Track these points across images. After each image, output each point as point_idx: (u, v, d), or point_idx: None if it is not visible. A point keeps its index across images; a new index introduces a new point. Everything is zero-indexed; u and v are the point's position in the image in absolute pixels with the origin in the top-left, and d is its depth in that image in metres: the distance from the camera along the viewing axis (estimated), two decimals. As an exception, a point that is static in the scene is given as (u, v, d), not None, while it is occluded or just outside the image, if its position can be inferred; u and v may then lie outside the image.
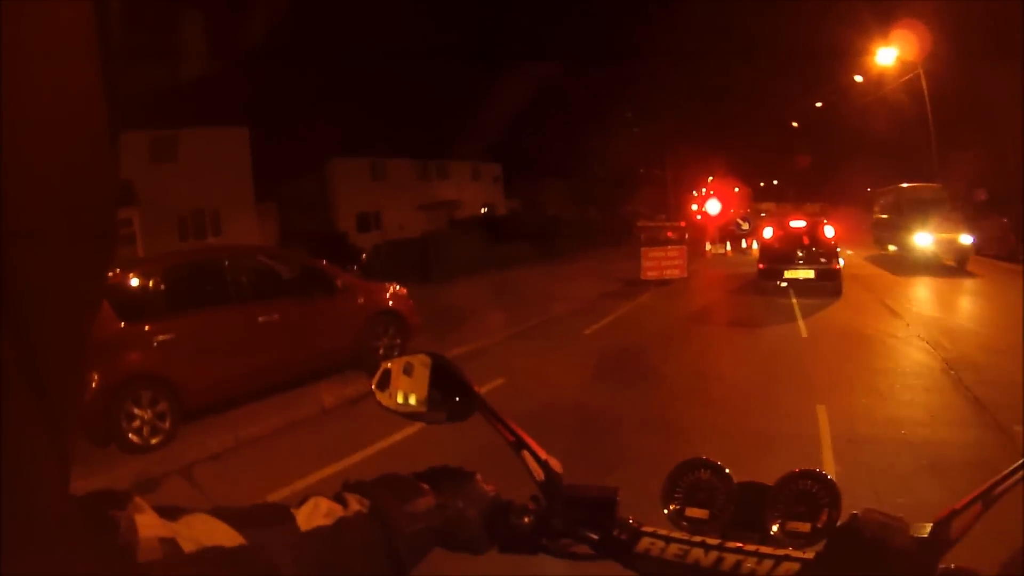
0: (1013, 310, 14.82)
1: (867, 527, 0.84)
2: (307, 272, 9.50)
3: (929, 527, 0.82)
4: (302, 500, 0.80)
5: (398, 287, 10.12)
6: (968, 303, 15.78)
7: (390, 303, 9.75)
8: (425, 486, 0.90)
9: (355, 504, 0.82)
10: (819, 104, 49.54)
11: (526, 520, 0.95)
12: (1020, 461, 0.81)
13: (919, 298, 15.75)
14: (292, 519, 0.74)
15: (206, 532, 0.61)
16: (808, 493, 1.02)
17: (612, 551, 0.93)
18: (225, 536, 0.63)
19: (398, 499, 0.85)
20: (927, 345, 10.41)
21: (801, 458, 5.63)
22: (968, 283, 18.98)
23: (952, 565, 0.82)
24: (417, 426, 5.07)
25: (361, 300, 9.43)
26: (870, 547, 0.82)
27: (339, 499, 0.82)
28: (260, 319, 8.16)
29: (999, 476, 0.82)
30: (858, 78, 43.37)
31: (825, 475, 1.04)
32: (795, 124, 55.88)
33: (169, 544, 0.56)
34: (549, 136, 38.86)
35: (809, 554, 0.86)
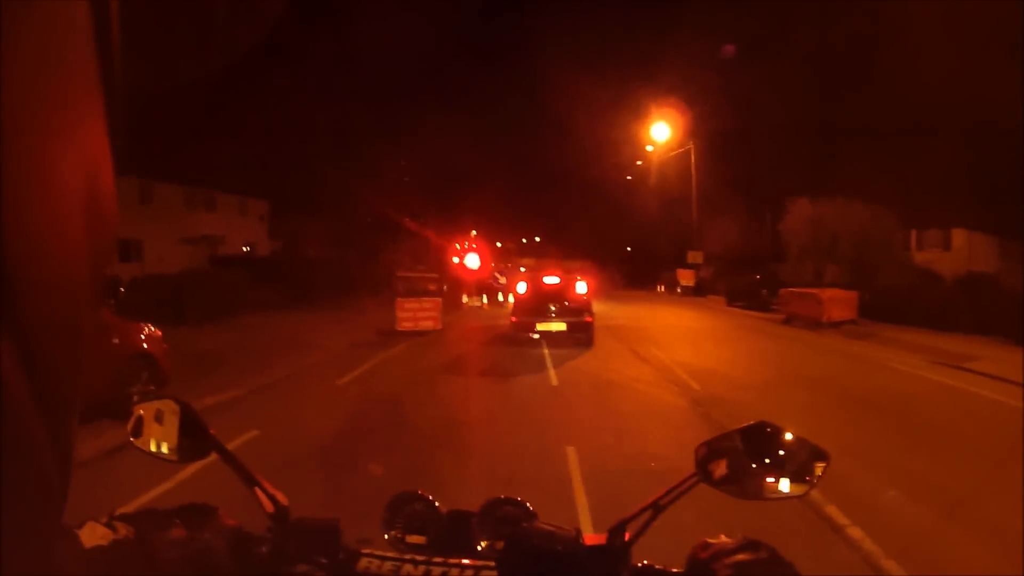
0: (760, 354, 17.31)
1: (534, 537, 1.09)
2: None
3: (605, 535, 1.08)
4: (80, 524, 0.94)
5: (152, 328, 9.50)
6: (717, 348, 18.08)
7: (145, 346, 9.14)
8: (177, 520, 1.07)
9: (123, 530, 0.98)
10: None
11: (264, 549, 1.14)
12: (687, 476, 1.07)
13: (668, 345, 17.62)
14: (76, 537, 0.88)
15: None
16: (509, 516, 1.32)
17: (339, 573, 1.13)
18: None
19: (157, 529, 1.03)
20: (675, 387, 11.74)
21: (552, 497, 6.10)
22: (718, 331, 22.01)
23: (644, 562, 1.07)
24: (177, 479, 5.75)
25: (116, 341, 8.95)
26: (539, 554, 1.06)
27: (110, 526, 0.97)
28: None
29: (668, 488, 1.07)
30: (649, 147, 49.60)
31: (520, 500, 1.35)
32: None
33: None
34: (319, 176, 38.29)
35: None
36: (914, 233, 34.78)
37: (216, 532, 1.09)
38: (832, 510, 6.02)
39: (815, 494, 6.18)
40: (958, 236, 33.20)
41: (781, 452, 1.06)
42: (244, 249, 40.53)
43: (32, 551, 0.41)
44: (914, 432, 9.11)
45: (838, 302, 22.50)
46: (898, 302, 23.55)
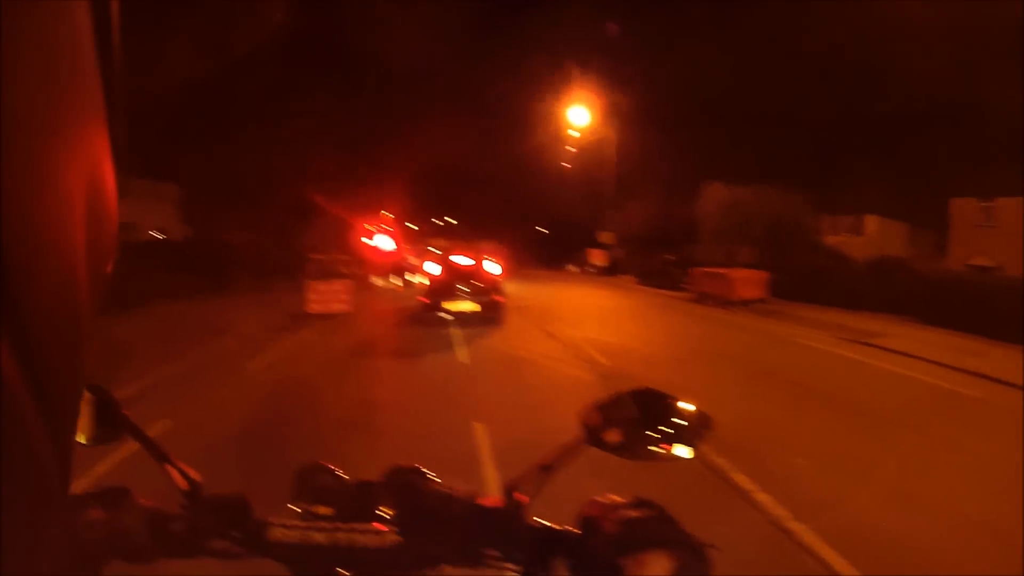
0: (669, 331, 17.73)
1: (430, 499, 1.15)
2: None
3: (500, 496, 1.11)
4: None
5: None
6: (626, 325, 18.42)
7: None
8: (94, 502, 1.08)
9: None
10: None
11: (180, 526, 1.14)
12: (574, 437, 1.10)
13: (578, 323, 17.86)
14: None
15: None
16: (412, 484, 1.34)
17: (251, 545, 1.14)
18: None
19: (75, 510, 1.03)
20: (584, 363, 11.88)
21: (462, 472, 6.11)
22: (628, 310, 22.46)
23: (539, 520, 1.10)
24: (95, 474, 5.63)
25: None
26: (436, 515, 1.12)
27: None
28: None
29: (557, 449, 1.10)
30: (575, 133, 49.88)
31: (420, 467, 1.36)
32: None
33: None
34: (231, 160, 37.21)
35: None
36: (827, 218, 36.10)
37: (133, 512, 1.11)
38: (740, 477, 6.15)
39: (723, 462, 6.37)
40: (870, 222, 34.67)
41: (666, 416, 1.10)
42: (157, 235, 39.30)
43: (32, 551, 0.41)
44: (820, 403, 9.39)
45: (748, 281, 23.17)
46: (809, 282, 24.40)
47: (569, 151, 52.60)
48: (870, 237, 33.80)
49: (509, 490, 1.12)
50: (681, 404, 1.11)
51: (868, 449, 7.38)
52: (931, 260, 26.85)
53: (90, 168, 0.44)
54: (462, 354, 13.13)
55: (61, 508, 0.48)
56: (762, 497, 5.73)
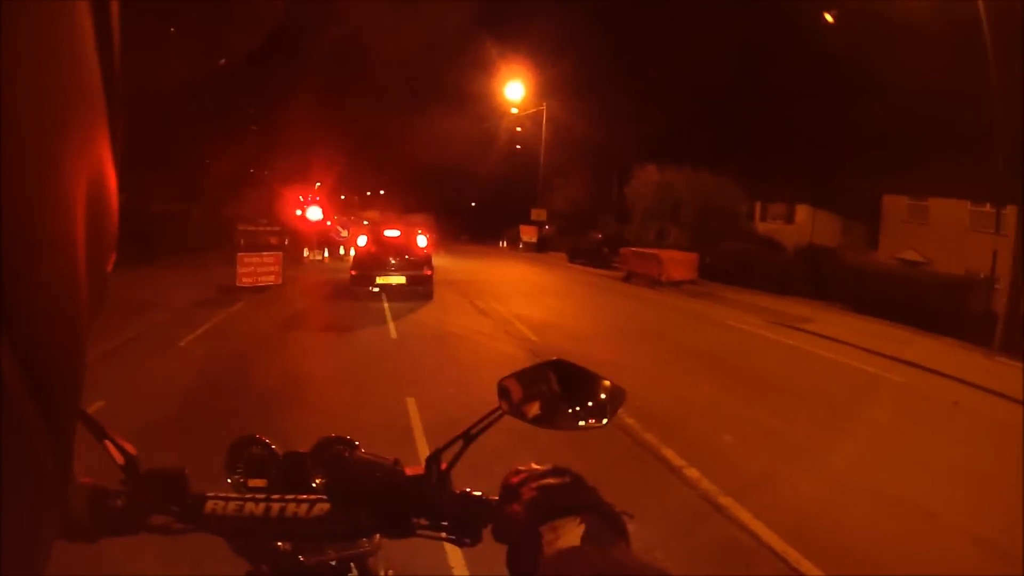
0: (598, 308, 17.95)
1: (355, 467, 1.19)
2: None
3: (423, 465, 1.15)
4: None
5: None
6: (556, 302, 18.48)
7: None
8: None
9: None
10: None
11: (120, 503, 1.15)
12: (493, 409, 1.13)
13: (508, 299, 17.93)
14: None
15: None
16: (340, 454, 1.44)
17: (190, 519, 1.16)
18: None
19: None
20: (514, 339, 11.95)
21: (394, 447, 6.08)
22: (557, 287, 22.64)
23: (464, 489, 1.14)
24: None
25: None
26: (361, 482, 1.16)
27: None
28: None
29: (476, 420, 1.13)
30: (514, 110, 49.64)
31: (347, 438, 1.47)
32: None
33: None
34: (160, 127, 36.02)
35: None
36: (759, 205, 36.83)
37: (73, 490, 1.12)
38: (669, 452, 6.27)
39: (651, 438, 6.49)
40: (802, 211, 35.38)
41: (579, 386, 1.14)
42: None
43: (32, 552, 0.41)
44: (749, 384, 9.60)
45: (678, 262, 23.52)
46: (739, 266, 24.93)
47: (503, 127, 52.60)
48: (801, 226, 34.52)
49: (431, 459, 1.15)
50: (594, 375, 1.14)
51: (794, 428, 7.57)
52: (861, 251, 27.64)
53: (91, 167, 0.44)
54: (392, 328, 13.09)
55: (61, 509, 0.46)
56: (691, 472, 5.85)
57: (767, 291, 22.12)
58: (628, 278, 24.75)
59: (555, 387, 1.11)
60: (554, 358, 1.12)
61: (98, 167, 0.46)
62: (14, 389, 0.37)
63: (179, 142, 38.80)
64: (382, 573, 1.51)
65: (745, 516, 4.99)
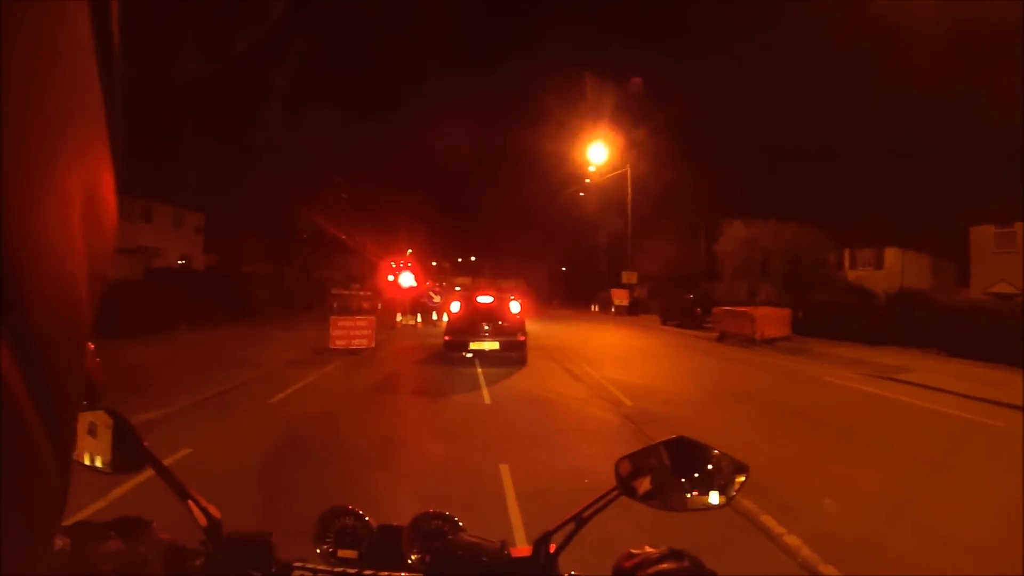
0: (693, 370, 17.61)
1: (460, 549, 1.15)
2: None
3: (530, 548, 1.12)
4: None
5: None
6: (649, 365, 18.28)
7: None
8: (112, 532, 1.09)
9: (59, 542, 1.00)
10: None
11: (198, 563, 1.15)
12: (608, 491, 1.11)
13: (601, 363, 17.77)
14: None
15: None
16: (438, 530, 1.39)
17: None
18: None
19: (92, 541, 1.04)
20: (608, 404, 11.82)
21: (486, 514, 6.06)
22: (651, 349, 22.38)
23: (572, 573, 1.11)
24: (110, 497, 5.72)
25: None
26: (465, 565, 1.11)
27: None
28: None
29: (590, 502, 1.11)
30: (591, 167, 50.26)
31: (448, 514, 1.43)
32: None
33: None
34: (255, 190, 37.78)
35: None
36: (847, 252, 35.91)
37: (151, 546, 1.11)
38: (768, 519, 6.08)
39: (750, 505, 6.27)
40: (891, 255, 34.35)
41: (701, 465, 1.09)
42: (179, 262, 39.92)
43: (32, 552, 0.41)
44: (847, 441, 9.27)
45: (771, 319, 23.02)
46: (831, 318, 24.22)
47: (589, 190, 52.84)
48: (890, 269, 33.45)
49: (540, 542, 1.11)
50: (715, 452, 1.10)
51: (895, 486, 7.29)
52: (953, 290, 26.54)
53: (90, 169, 0.45)
54: (485, 394, 13.10)
55: (61, 509, 0.47)
56: (792, 540, 5.65)
57: (861, 342, 21.38)
58: (722, 338, 24.33)
59: (666, 463, 1.08)
60: (674, 436, 1.10)
61: (97, 170, 0.46)
62: (14, 389, 0.37)
63: (272, 207, 40.22)
64: None
65: (847, 586, 4.78)
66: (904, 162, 30.61)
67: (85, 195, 0.44)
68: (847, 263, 36.02)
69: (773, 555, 5.46)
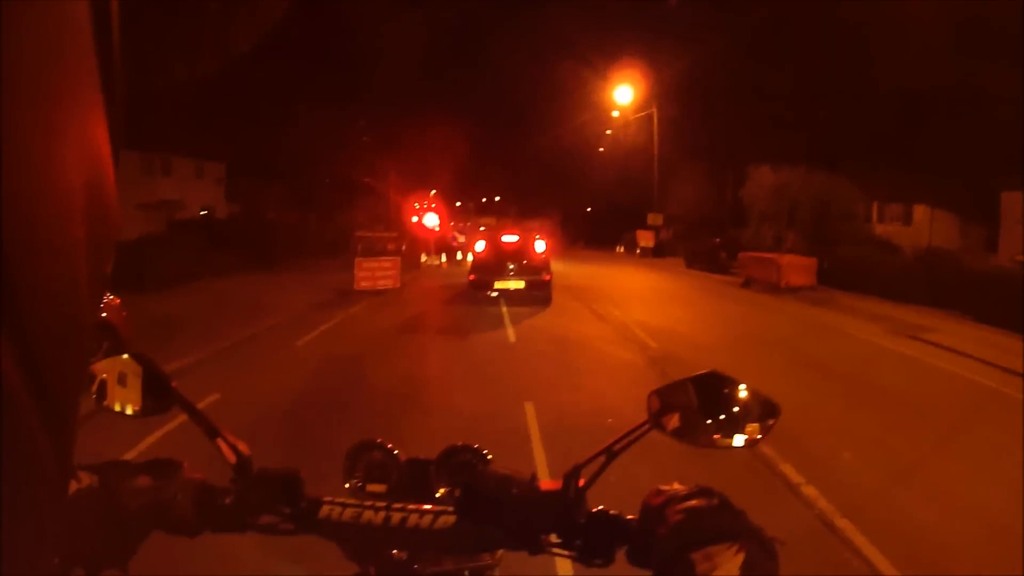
0: (718, 315, 17.58)
1: (490, 481, 1.11)
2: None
3: (560, 481, 1.09)
4: None
5: (111, 296, 9.29)
6: (674, 308, 18.28)
7: (104, 315, 8.93)
8: (142, 471, 1.10)
9: (87, 479, 1.01)
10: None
11: (228, 500, 1.14)
12: (639, 424, 1.07)
13: (626, 304, 17.79)
14: None
15: None
16: (466, 463, 1.40)
17: (302, 522, 1.14)
18: None
19: (121, 478, 1.06)
20: (632, 345, 11.87)
21: (511, 450, 6.15)
22: (676, 292, 22.45)
23: (600, 507, 1.08)
24: (139, 448, 6.02)
25: None
26: (495, 497, 1.09)
27: (74, 476, 0.99)
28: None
29: (621, 435, 1.07)
30: (615, 113, 49.47)
31: (475, 446, 1.43)
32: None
33: None
34: (275, 137, 37.54)
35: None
36: (876, 205, 35.26)
37: (181, 484, 1.11)
38: (787, 468, 6.14)
39: (770, 452, 6.33)
40: (920, 212, 33.68)
41: (732, 403, 1.07)
42: (201, 213, 39.96)
43: (33, 553, 0.41)
44: (869, 398, 9.26)
45: (797, 268, 22.79)
46: (857, 271, 23.90)
47: (615, 130, 52.12)
48: (919, 227, 32.83)
49: (570, 475, 1.10)
50: (746, 389, 1.08)
51: (913, 446, 7.32)
52: (980, 255, 26.01)
53: (90, 167, 0.44)
54: (510, 332, 13.18)
55: (61, 508, 0.48)
56: (809, 490, 5.72)
57: (885, 297, 21.14)
58: (747, 284, 24.19)
59: (695, 399, 1.06)
60: (706, 371, 1.07)
61: (97, 168, 0.46)
62: (14, 388, 0.37)
63: (293, 153, 40.00)
64: None
65: (860, 540, 4.86)
66: (942, 117, 29.66)
67: (86, 193, 0.43)
68: (875, 216, 35.39)
69: (790, 504, 5.54)
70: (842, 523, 5.10)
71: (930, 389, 10.18)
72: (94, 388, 1.19)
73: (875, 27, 31.53)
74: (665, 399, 1.09)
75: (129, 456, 5.73)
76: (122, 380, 1.19)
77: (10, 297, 0.37)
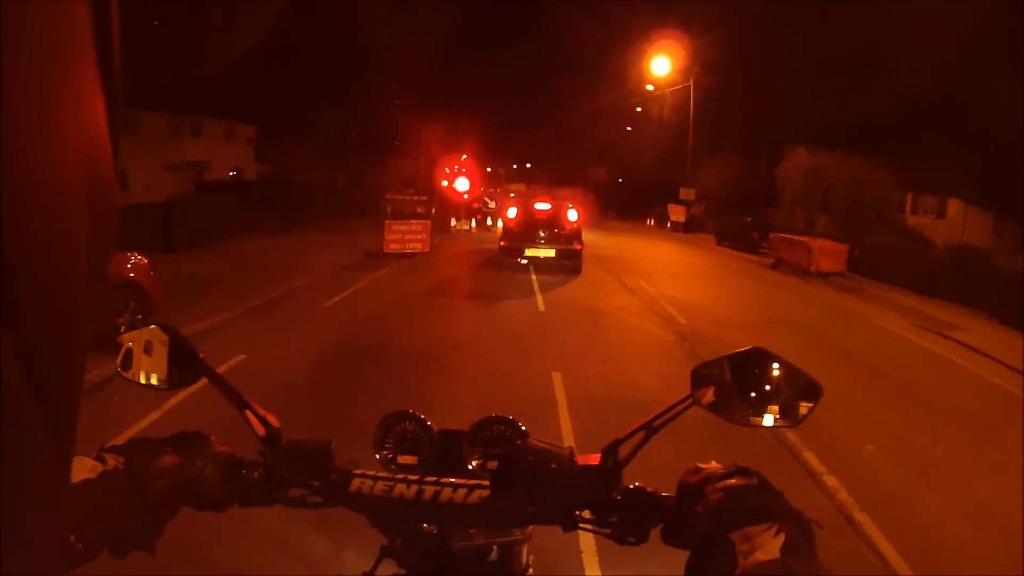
0: (747, 295, 17.45)
1: (529, 454, 1.09)
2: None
3: (598, 455, 1.07)
4: None
5: (139, 257, 9.39)
6: (704, 285, 18.27)
7: (132, 275, 9.02)
8: (168, 448, 1.08)
9: (113, 461, 0.99)
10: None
11: (256, 474, 1.13)
12: (681, 399, 1.06)
13: (656, 278, 17.74)
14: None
15: None
16: (500, 435, 1.37)
17: (331, 495, 1.12)
18: None
19: (147, 458, 1.03)
20: (661, 320, 11.85)
21: (538, 420, 6.19)
22: (706, 269, 22.31)
23: (635, 484, 1.06)
24: (165, 408, 5.93)
25: None
26: (532, 471, 1.06)
27: (99, 459, 0.98)
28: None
29: (660, 410, 1.05)
30: (649, 87, 48.79)
31: (510, 418, 1.39)
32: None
33: None
34: (306, 99, 37.51)
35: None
36: (910, 196, 34.63)
37: (208, 459, 1.10)
38: (810, 456, 6.17)
39: (794, 438, 6.35)
40: (954, 206, 32.99)
41: (771, 381, 1.06)
42: (231, 174, 40.02)
43: (33, 551, 0.41)
44: (895, 392, 9.22)
45: (828, 253, 22.50)
46: (887, 261, 23.60)
47: (651, 102, 51.49)
48: (952, 221, 32.14)
49: (608, 450, 1.08)
50: (788, 369, 1.07)
51: (935, 445, 7.29)
52: (1014, 255, 25.50)
53: (90, 166, 0.44)
54: (540, 301, 13.19)
55: (62, 508, 0.48)
56: (830, 481, 5.73)
57: (914, 290, 20.90)
58: (776, 265, 23.94)
59: (731, 376, 1.05)
60: (750, 347, 1.06)
61: (97, 166, 0.45)
62: (14, 388, 0.37)
63: (323, 115, 39.88)
64: (524, 559, 1.34)
65: (877, 536, 4.89)
66: (982, 109, 28.81)
67: (86, 192, 0.43)
68: (908, 207, 34.75)
69: (811, 492, 5.56)
70: (861, 517, 5.13)
71: (955, 389, 10.10)
72: (119, 358, 1.17)
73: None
74: (706, 373, 1.08)
75: (155, 415, 5.86)
76: (148, 350, 1.17)
77: (10, 294, 0.37)
